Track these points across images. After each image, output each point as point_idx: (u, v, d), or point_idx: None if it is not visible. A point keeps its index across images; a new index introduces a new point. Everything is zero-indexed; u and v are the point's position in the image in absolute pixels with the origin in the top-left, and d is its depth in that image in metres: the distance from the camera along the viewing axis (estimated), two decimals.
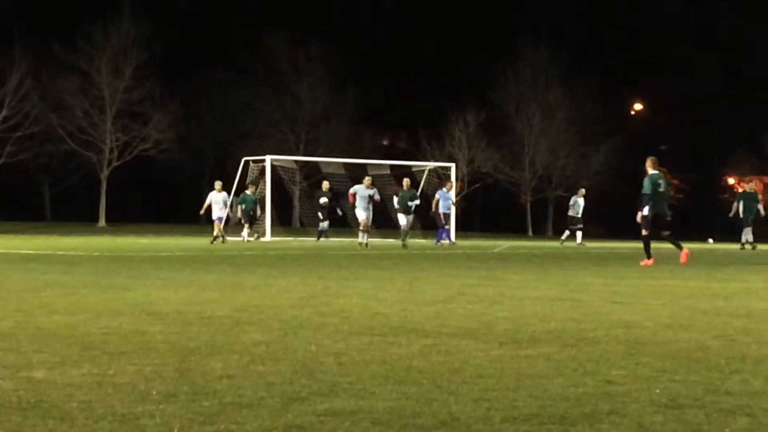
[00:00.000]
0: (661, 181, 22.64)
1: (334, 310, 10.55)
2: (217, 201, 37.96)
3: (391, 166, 50.24)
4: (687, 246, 23.34)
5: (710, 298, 12.88)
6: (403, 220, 36.60)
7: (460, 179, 62.30)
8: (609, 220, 72.71)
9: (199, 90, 74.76)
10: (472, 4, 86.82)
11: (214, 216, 37.76)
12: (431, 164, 52.31)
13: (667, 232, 23.22)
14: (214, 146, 77.25)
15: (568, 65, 73.52)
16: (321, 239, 41.56)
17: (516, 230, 70.88)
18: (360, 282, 15.29)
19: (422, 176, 48.44)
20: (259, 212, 41.01)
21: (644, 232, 22.81)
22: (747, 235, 37.60)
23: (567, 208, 44.92)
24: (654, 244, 23.05)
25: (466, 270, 19.84)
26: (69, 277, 15.72)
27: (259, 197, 44.23)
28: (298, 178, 54.76)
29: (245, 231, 39.80)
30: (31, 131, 62.75)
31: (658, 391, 5.97)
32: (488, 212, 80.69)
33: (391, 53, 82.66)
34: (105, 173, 67.01)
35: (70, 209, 69.50)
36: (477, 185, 70.71)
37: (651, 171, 22.74)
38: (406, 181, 37.84)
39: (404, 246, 34.13)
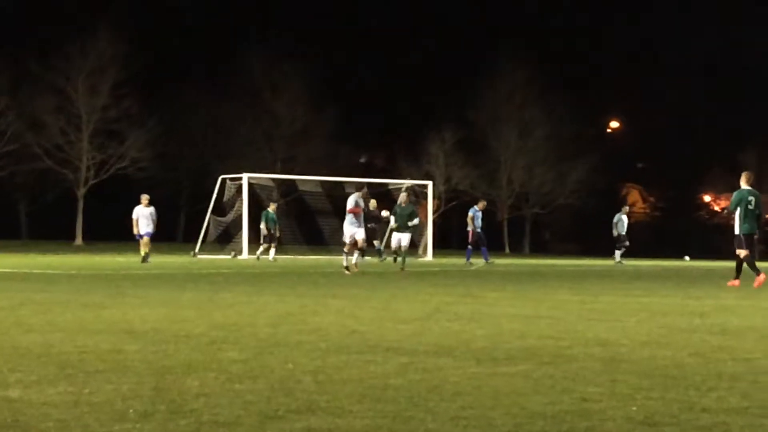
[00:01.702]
0: (752, 198, 21.36)
1: (311, 328, 10.54)
2: (144, 216, 35.75)
3: (369, 184, 50.23)
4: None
5: (686, 315, 12.92)
6: (396, 238, 31.97)
7: (437, 197, 62.29)
8: (585, 237, 72.99)
9: (176, 108, 74.51)
10: (449, 22, 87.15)
11: (142, 231, 35.22)
12: (408, 182, 52.34)
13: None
14: (191, 164, 76.97)
15: (545, 84, 73.71)
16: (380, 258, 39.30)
17: (493, 248, 70.76)
18: (337, 300, 15.27)
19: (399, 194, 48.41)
20: (278, 232, 39.78)
21: (740, 252, 21.37)
22: None
23: (611, 226, 40.19)
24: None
25: (444, 288, 19.85)
26: (45, 296, 15.64)
27: (235, 215, 44.05)
28: (275, 195, 54.70)
29: (269, 249, 38.86)
30: (7, 149, 62.58)
31: (634, 408, 5.99)
32: (465, 230, 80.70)
33: (370, 71, 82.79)
34: (82, 191, 66.80)
35: (46, 227, 69.06)
36: (454, 203, 70.74)
37: (743, 186, 21.46)
38: (402, 196, 33.69)
39: (401, 269, 29.12)
